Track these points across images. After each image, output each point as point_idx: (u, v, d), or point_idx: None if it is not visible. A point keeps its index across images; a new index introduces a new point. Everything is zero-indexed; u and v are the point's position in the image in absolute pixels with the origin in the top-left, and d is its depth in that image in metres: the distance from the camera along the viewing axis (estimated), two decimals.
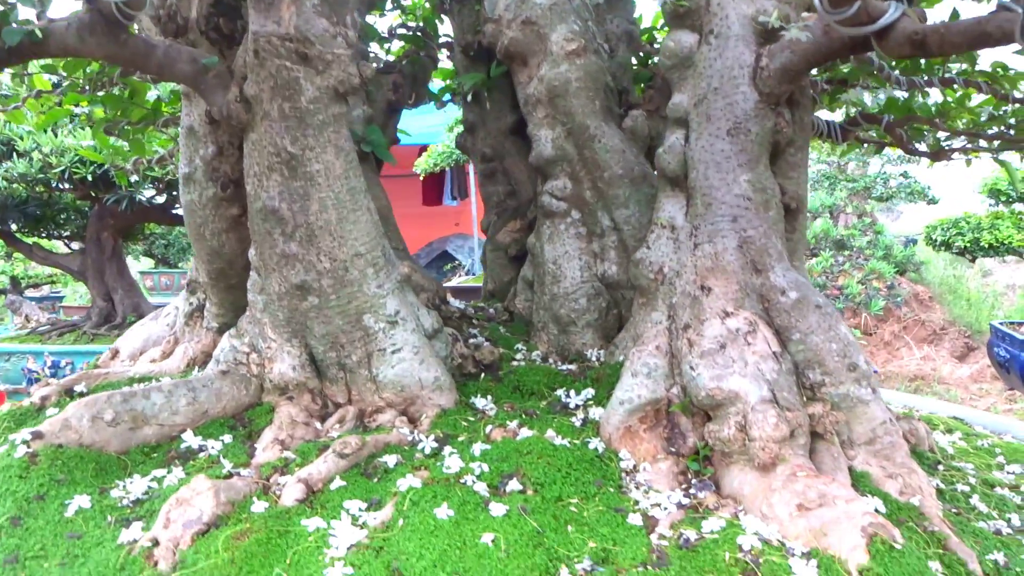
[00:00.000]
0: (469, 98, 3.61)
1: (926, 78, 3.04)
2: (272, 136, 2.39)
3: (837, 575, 1.78)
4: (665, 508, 2.08)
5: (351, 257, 2.49)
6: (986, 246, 9.73)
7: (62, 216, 8.14)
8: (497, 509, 1.97)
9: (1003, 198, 9.75)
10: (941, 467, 2.71)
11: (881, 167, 13.59)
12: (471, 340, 2.92)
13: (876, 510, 2.08)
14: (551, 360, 2.91)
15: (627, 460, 2.31)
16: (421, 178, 11.61)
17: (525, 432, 2.33)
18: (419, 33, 3.69)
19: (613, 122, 2.87)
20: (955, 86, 2.99)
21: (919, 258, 13.90)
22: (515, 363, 2.82)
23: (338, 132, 2.43)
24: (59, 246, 9.07)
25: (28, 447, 2.13)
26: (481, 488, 2.08)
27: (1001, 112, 3.36)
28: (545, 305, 2.97)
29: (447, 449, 2.30)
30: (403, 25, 3.83)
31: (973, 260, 10.55)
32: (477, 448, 2.27)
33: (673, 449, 2.34)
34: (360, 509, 2.05)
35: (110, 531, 1.98)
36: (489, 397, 2.62)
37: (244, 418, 2.55)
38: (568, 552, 1.88)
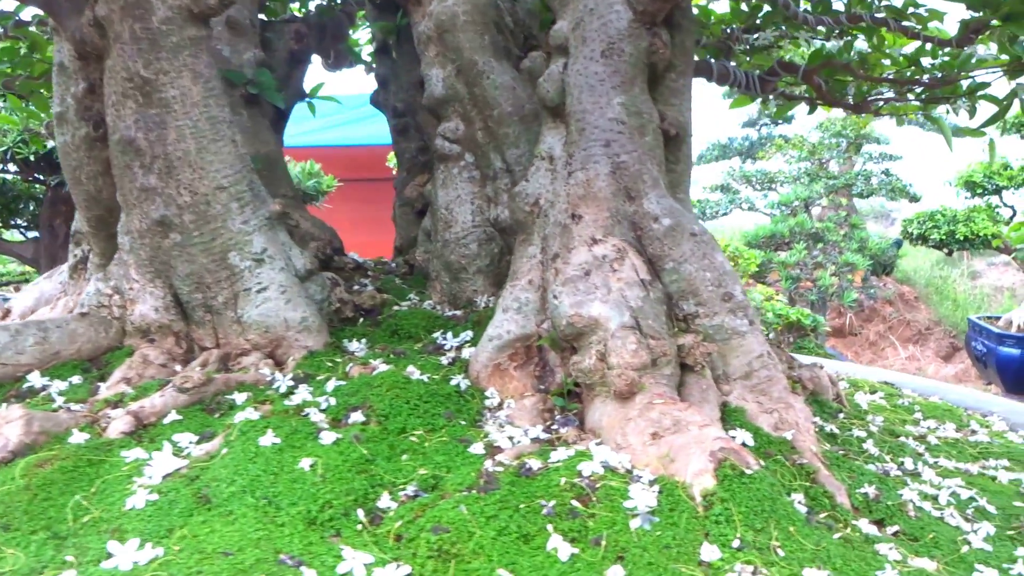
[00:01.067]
0: (380, 52, 3.49)
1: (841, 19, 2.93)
2: (125, 60, 2.27)
3: (679, 500, 1.65)
4: (518, 441, 1.95)
5: (213, 191, 2.37)
6: (961, 239, 9.61)
7: (16, 204, 8.01)
8: (328, 437, 1.85)
9: (978, 191, 9.65)
10: (842, 415, 2.58)
11: (863, 164, 13.52)
12: (356, 288, 2.79)
13: (744, 443, 1.96)
14: (441, 308, 2.78)
15: (493, 398, 2.18)
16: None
17: (383, 368, 2.21)
18: None
19: (506, 60, 2.75)
20: (862, 25, 2.88)
21: (905, 257, 13.81)
22: (397, 308, 2.69)
23: (196, 57, 2.31)
24: (17, 236, 8.94)
25: None
26: (320, 419, 1.96)
27: (932, 64, 3.26)
28: (438, 253, 2.85)
29: (302, 387, 2.18)
30: None
31: (950, 253, 10.43)
32: (331, 384, 2.15)
33: (543, 387, 2.21)
34: (190, 442, 1.93)
35: None
36: (364, 341, 2.49)
37: (101, 361, 2.42)
38: (395, 479, 1.75)
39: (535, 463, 1.80)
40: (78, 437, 1.89)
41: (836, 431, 2.42)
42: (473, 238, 2.76)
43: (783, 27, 3.16)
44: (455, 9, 2.66)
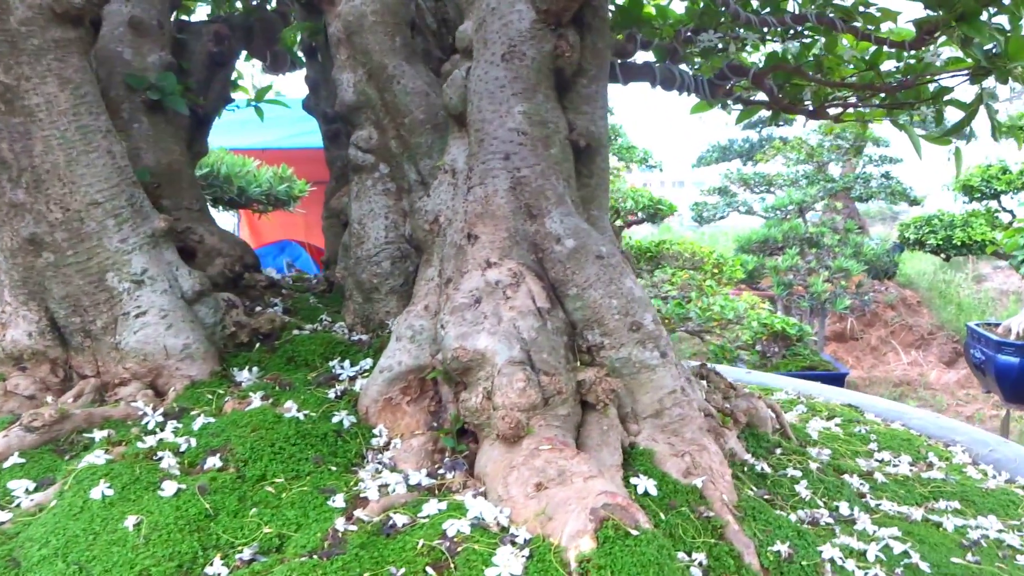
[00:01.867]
0: (308, 54, 3.29)
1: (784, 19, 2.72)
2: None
3: (550, 566, 1.44)
4: (393, 489, 1.75)
5: (86, 206, 2.17)
6: (958, 244, 9.35)
7: None
8: (170, 488, 1.64)
9: (976, 195, 9.41)
10: (779, 450, 2.37)
11: (862, 167, 13.29)
12: (264, 309, 2.59)
13: (646, 491, 1.76)
14: (354, 331, 2.58)
15: (381, 437, 1.98)
16: None
17: (256, 404, 2.00)
18: None
19: (421, 63, 2.55)
20: (808, 25, 2.67)
21: (909, 261, 13.54)
22: (298, 332, 2.48)
23: (62, 61, 2.11)
24: None
25: None
26: (171, 464, 1.75)
27: (896, 67, 3.04)
28: (351, 270, 2.65)
29: (171, 424, 1.98)
30: None
31: (947, 259, 10.17)
32: (199, 422, 1.94)
33: (436, 424, 2.01)
34: (25, 490, 1.73)
35: None
36: (255, 369, 2.29)
37: None
38: (234, 538, 1.55)
39: (401, 518, 1.60)
40: None
41: (768, 470, 2.20)
42: (386, 255, 2.55)
43: (738, 30, 2.95)
44: (363, 9, 2.45)
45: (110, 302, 2.23)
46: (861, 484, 2.35)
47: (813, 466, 2.33)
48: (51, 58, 2.09)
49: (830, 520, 2.00)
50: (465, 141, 2.20)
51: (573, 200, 2.08)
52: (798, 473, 2.23)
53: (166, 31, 2.91)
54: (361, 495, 1.70)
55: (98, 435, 1.93)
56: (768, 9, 2.83)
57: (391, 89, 2.48)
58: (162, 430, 1.94)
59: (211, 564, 1.48)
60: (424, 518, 1.60)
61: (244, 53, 3.56)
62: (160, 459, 1.77)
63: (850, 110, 3.36)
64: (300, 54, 3.68)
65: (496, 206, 2.00)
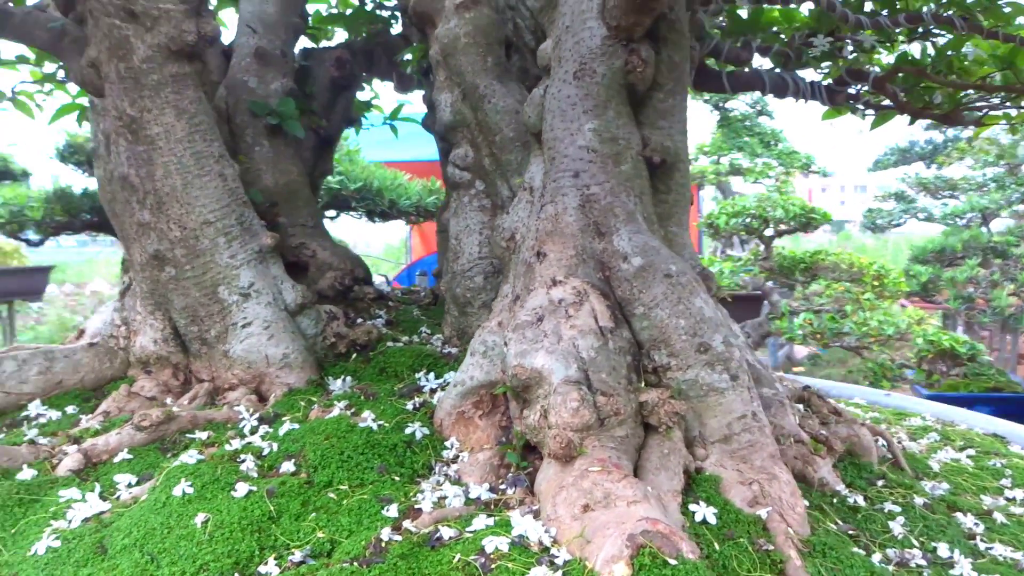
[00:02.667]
0: (425, 75, 3.42)
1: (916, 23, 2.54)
2: (114, 99, 2.32)
3: None
4: (450, 502, 1.79)
5: (200, 225, 2.38)
6: None
7: None
8: (242, 490, 1.77)
9: None
10: (882, 482, 2.21)
11: None
12: (363, 322, 2.72)
13: (704, 520, 1.70)
14: (449, 344, 2.66)
15: (451, 449, 2.04)
16: None
17: (334, 413, 2.11)
18: (377, 7, 3.55)
19: (514, 82, 2.59)
20: (931, 27, 2.48)
21: None
22: (392, 344, 2.58)
23: (179, 93, 2.33)
24: None
25: None
26: (250, 468, 1.88)
27: None
28: (448, 285, 2.73)
29: (262, 428, 2.12)
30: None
31: None
32: (284, 428, 2.08)
33: (504, 439, 2.04)
34: (127, 484, 1.92)
35: None
36: (348, 379, 2.41)
37: (103, 391, 2.49)
38: (290, 540, 1.65)
39: (449, 532, 1.64)
40: (25, 473, 1.93)
41: (863, 503, 2.06)
42: (479, 270, 2.61)
43: (860, 32, 2.79)
44: (456, 31, 2.53)
45: (222, 313, 2.42)
46: (975, 524, 2.15)
47: (919, 501, 2.16)
48: (169, 91, 2.31)
49: (923, 562, 1.85)
50: (542, 158, 2.22)
51: (647, 217, 2.05)
52: (897, 508, 2.07)
53: (289, 59, 3.12)
54: (416, 506, 1.76)
55: (199, 435, 2.11)
56: (886, 11, 2.65)
57: (483, 108, 2.54)
58: (253, 434, 2.09)
59: (265, 563, 1.58)
60: (471, 533, 1.63)
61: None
62: (242, 461, 1.91)
63: (995, 112, 3.08)
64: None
65: (565, 224, 2.00)
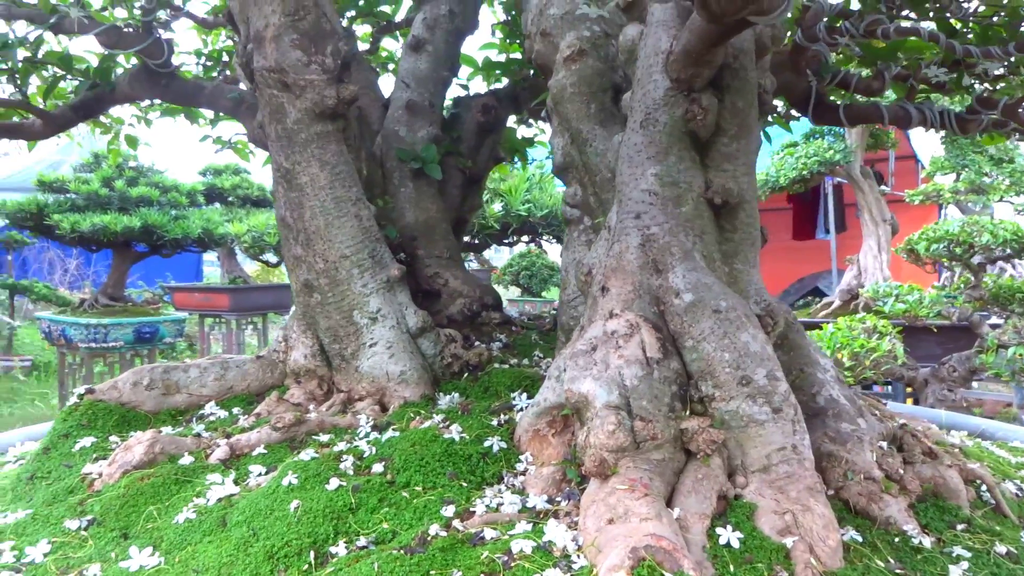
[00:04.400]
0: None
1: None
2: (274, 154, 2.81)
3: None
4: (506, 508, 2.03)
5: (339, 259, 2.80)
6: None
7: None
8: (333, 484, 2.12)
9: None
10: (963, 526, 2.16)
11: None
12: (479, 344, 3.02)
13: (728, 543, 1.82)
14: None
15: (524, 463, 2.27)
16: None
17: (426, 424, 2.41)
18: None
19: (617, 125, 2.79)
20: None
21: None
22: (499, 366, 2.86)
23: (322, 148, 2.76)
24: None
25: (79, 399, 2.79)
26: (347, 466, 2.23)
27: None
28: (559, 312, 2.96)
29: (373, 435, 2.48)
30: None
31: None
32: (387, 435, 2.42)
33: (570, 456, 2.24)
34: (259, 473, 2.34)
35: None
36: (456, 395, 2.72)
37: (263, 396, 2.98)
38: (360, 528, 1.97)
39: (492, 533, 1.88)
40: (186, 460, 2.42)
41: (929, 544, 2.04)
42: (580, 300, 2.82)
43: (981, 63, 2.70)
44: (564, 82, 2.78)
45: (356, 334, 2.82)
46: None
47: (1001, 549, 2.09)
48: (314, 147, 2.75)
49: None
50: None
51: (707, 255, 2.18)
52: (968, 553, 2.03)
53: (436, 109, 3.51)
54: (471, 508, 2.01)
55: (322, 437, 2.50)
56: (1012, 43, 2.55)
57: (586, 151, 2.76)
58: (363, 439, 2.45)
59: (336, 545, 1.90)
60: (508, 536, 1.86)
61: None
62: (344, 461, 2.27)
63: None
64: None
65: (626, 261, 2.18)
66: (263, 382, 3.02)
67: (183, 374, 2.94)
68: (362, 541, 1.91)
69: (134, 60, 3.09)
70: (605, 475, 1.92)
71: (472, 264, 13.14)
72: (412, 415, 2.59)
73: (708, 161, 2.23)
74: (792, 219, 12.30)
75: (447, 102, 3.74)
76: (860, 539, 2.00)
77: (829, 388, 2.41)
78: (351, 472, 2.22)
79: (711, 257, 2.18)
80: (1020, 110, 2.70)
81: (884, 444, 2.31)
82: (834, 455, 2.22)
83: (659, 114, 2.17)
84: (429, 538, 1.86)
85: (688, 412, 2.04)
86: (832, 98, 3.07)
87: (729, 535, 1.82)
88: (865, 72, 3.06)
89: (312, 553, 1.89)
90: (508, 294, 14.84)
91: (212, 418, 2.81)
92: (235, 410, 2.87)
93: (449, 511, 2.00)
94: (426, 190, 3.36)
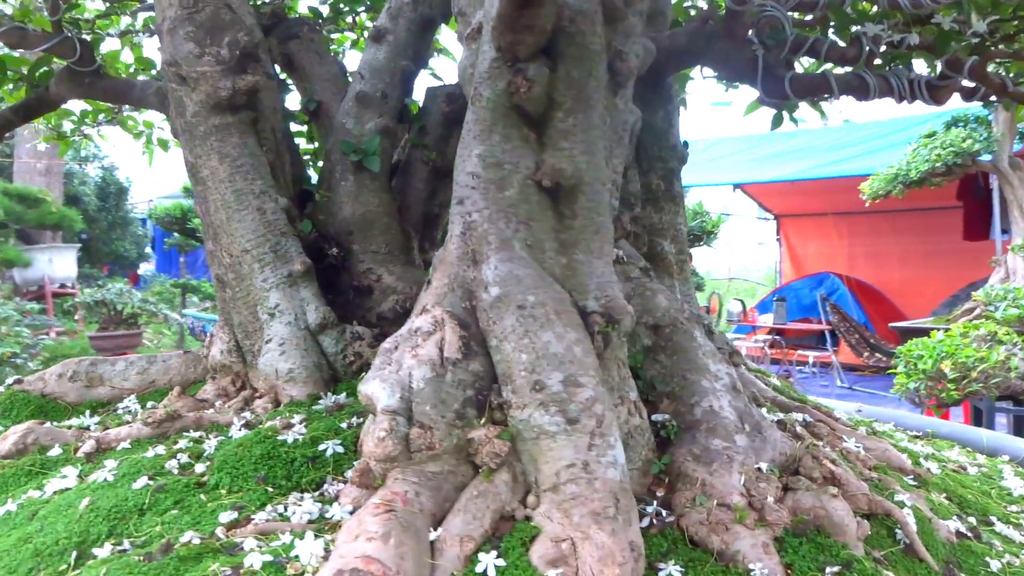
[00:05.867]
0: None
1: None
2: (183, 149, 2.79)
3: None
4: (296, 518, 1.88)
5: (241, 253, 2.74)
6: None
7: None
8: (140, 483, 2.04)
9: None
10: (837, 568, 1.79)
11: None
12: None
13: (484, 572, 1.59)
14: None
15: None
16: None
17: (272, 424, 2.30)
18: None
19: None
20: None
21: None
22: None
23: (222, 140, 2.71)
24: None
25: (5, 388, 2.88)
26: (173, 465, 2.16)
27: None
28: None
29: (242, 432, 2.39)
30: None
31: None
32: (235, 432, 2.33)
33: None
34: (111, 468, 2.31)
35: None
36: (345, 395, 2.58)
37: (185, 391, 2.96)
38: (134, 532, 1.88)
39: (253, 543, 1.74)
40: (55, 451, 2.42)
41: None
42: None
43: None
44: (464, 63, 2.58)
45: (260, 330, 2.75)
46: None
47: None
48: (213, 139, 2.71)
49: None
50: None
51: (533, 244, 1.93)
52: None
53: (390, 100, 3.39)
54: (252, 516, 1.88)
55: (195, 434, 2.44)
56: None
57: None
58: (218, 437, 2.36)
59: (102, 547, 1.82)
60: (259, 548, 1.71)
61: None
62: (179, 458, 2.19)
63: None
64: None
65: (448, 252, 1.98)
66: (186, 377, 3.02)
67: (109, 367, 2.98)
68: (125, 544, 1.82)
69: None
70: (367, 486, 1.73)
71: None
72: (288, 414, 2.48)
73: (545, 139, 1.98)
74: (963, 218, 11.19)
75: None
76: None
77: (713, 398, 2.08)
78: (175, 471, 2.14)
79: (538, 247, 1.93)
80: (991, 70, 2.24)
81: (763, 466, 1.97)
82: (688, 476, 1.91)
83: (483, 88, 1.95)
84: (177, 545, 1.74)
85: (484, 420, 1.81)
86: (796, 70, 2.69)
87: (490, 562, 1.59)
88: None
89: (75, 554, 1.81)
90: None
91: (120, 411, 2.82)
92: (149, 404, 2.87)
93: (226, 518, 1.87)
94: (368, 183, 3.24)
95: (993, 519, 2.30)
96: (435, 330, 1.86)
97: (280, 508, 1.92)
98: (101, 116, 4.05)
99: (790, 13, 2.61)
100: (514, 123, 1.96)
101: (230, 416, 2.55)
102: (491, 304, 1.84)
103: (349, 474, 1.94)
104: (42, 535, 1.87)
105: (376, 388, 1.82)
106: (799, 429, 2.30)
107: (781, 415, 2.45)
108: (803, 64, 3.03)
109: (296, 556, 1.64)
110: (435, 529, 1.65)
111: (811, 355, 11.43)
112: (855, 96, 2.51)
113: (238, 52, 2.70)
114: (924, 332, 5.57)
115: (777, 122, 3.21)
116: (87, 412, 2.85)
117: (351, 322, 2.92)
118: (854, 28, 2.56)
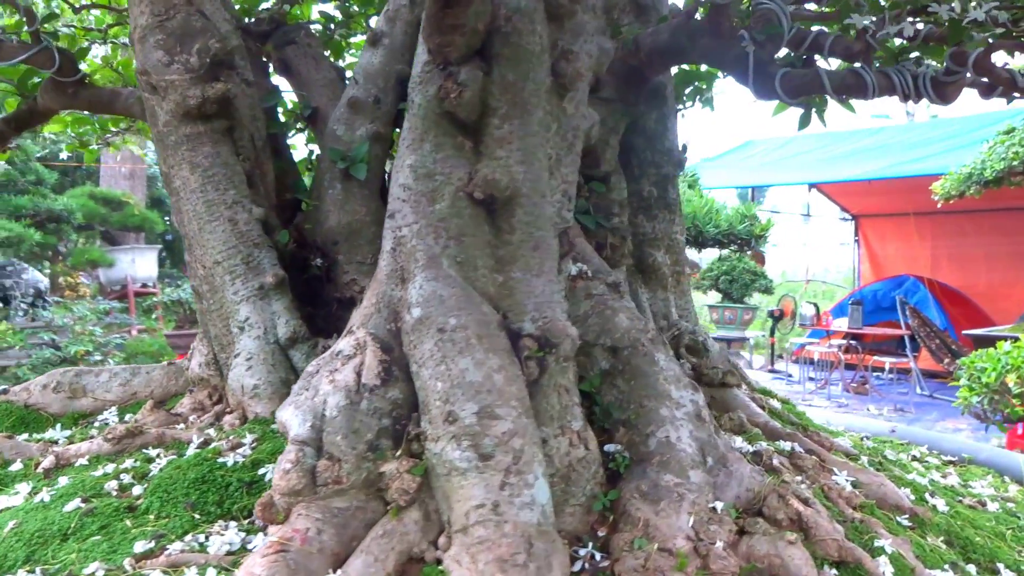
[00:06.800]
0: None
1: None
2: (158, 158, 2.75)
3: None
4: (214, 549, 1.79)
5: (213, 264, 2.68)
6: None
7: None
8: (71, 505, 1.99)
9: None
10: None
11: None
12: None
13: None
14: None
15: None
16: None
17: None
18: None
19: None
20: None
21: None
22: None
23: (193, 150, 2.65)
24: None
25: None
26: (112, 486, 2.10)
27: None
28: None
29: (193, 450, 2.33)
30: None
31: None
32: (191, 451, 2.26)
33: None
34: (62, 485, 2.27)
35: None
36: None
37: (164, 403, 2.93)
38: (52, 558, 1.82)
39: None
40: (16, 466, 2.40)
41: None
42: None
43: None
44: None
45: (232, 344, 2.69)
46: None
47: None
48: (184, 149, 2.65)
49: None
50: None
51: (464, 261, 1.80)
52: None
53: (384, 105, 3.29)
54: (168, 547, 1.79)
55: (153, 452, 2.39)
56: None
57: None
58: (182, 453, 2.30)
59: (14, 574, 1.77)
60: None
61: None
62: (121, 479, 2.13)
63: None
64: None
65: (379, 269, 1.86)
66: (167, 389, 2.98)
67: (93, 379, 2.97)
68: (38, 573, 1.76)
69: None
70: (271, 520, 1.62)
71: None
72: (244, 433, 2.40)
73: (482, 148, 1.85)
74: None
75: None
76: None
77: (671, 428, 1.91)
78: (114, 493, 2.08)
79: (470, 264, 1.79)
80: (992, 64, 2.00)
81: (718, 505, 1.79)
82: (630, 516, 1.75)
83: (415, 94, 1.83)
84: None
85: (400, 452, 1.68)
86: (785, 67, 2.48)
87: None
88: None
89: None
90: (706, 299, 13.99)
91: (97, 424, 2.80)
92: (127, 416, 2.85)
93: (141, 547, 1.79)
94: (356, 191, 3.14)
95: (1000, 566, 2.05)
96: (355, 354, 1.75)
97: (201, 537, 1.83)
98: (122, 124, 4.09)
99: (791, 7, 2.41)
100: (447, 131, 1.83)
101: (190, 434, 2.49)
102: (412, 326, 1.71)
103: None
104: None
105: (289, 415, 1.72)
106: (776, 462, 2.10)
107: (765, 444, 2.25)
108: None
109: None
110: (334, 572, 1.53)
111: (888, 361, 10.91)
112: (852, 95, 2.29)
113: (208, 60, 2.63)
114: (989, 342, 5.19)
115: (804, 122, 3.00)
116: (66, 424, 2.84)
117: (332, 335, 2.83)
118: (856, 19, 2.34)
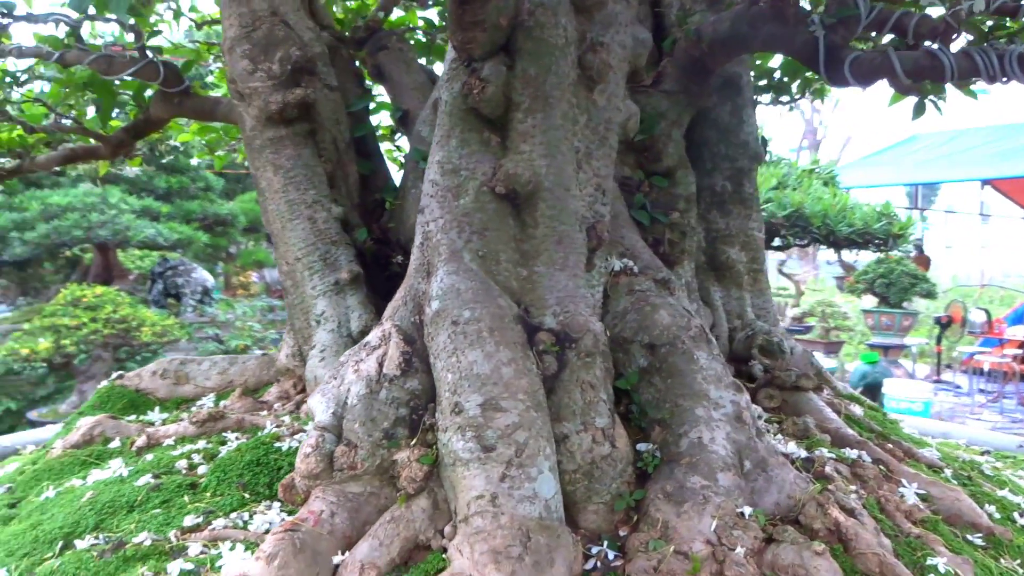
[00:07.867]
0: None
1: None
2: (248, 161, 2.94)
3: None
4: (255, 527, 1.90)
5: (294, 261, 2.83)
6: None
7: None
8: (141, 481, 2.16)
9: None
10: None
11: None
12: None
13: None
14: None
15: None
16: None
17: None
18: None
19: None
20: None
21: None
22: None
23: (276, 152, 2.81)
24: None
25: (109, 383, 3.18)
26: (183, 465, 2.26)
27: None
28: None
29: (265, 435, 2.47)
30: None
31: None
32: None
33: None
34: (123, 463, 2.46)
35: None
36: None
37: (255, 391, 3.11)
38: (116, 526, 1.99)
39: (197, 549, 1.79)
40: (115, 443, 2.63)
41: None
42: None
43: None
44: None
45: (312, 336, 2.83)
46: None
47: None
48: (268, 152, 2.81)
49: None
50: None
51: (486, 255, 1.81)
52: None
53: None
54: (212, 522, 1.91)
55: (230, 436, 2.55)
56: None
57: None
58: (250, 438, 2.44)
59: (83, 539, 1.94)
60: (210, 553, 1.75)
61: None
62: (193, 458, 2.30)
63: None
64: None
65: (410, 263, 1.91)
66: (259, 378, 3.16)
67: (196, 367, 3.20)
68: (100, 539, 1.92)
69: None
70: (292, 501, 1.70)
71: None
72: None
73: (508, 143, 1.85)
74: None
75: None
76: None
77: (705, 429, 1.85)
78: (183, 471, 2.24)
79: (493, 258, 1.80)
80: None
81: (747, 511, 1.71)
82: (651, 517, 1.71)
83: (441, 91, 1.86)
84: (125, 546, 1.81)
85: (415, 441, 1.72)
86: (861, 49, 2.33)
87: None
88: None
89: (61, 544, 1.95)
90: (861, 303, 13.22)
91: (194, 409, 3.01)
92: (222, 403, 3.05)
93: (190, 521, 1.92)
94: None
95: None
96: (380, 344, 1.80)
97: (246, 516, 1.94)
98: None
99: None
100: (473, 126, 1.85)
101: (268, 420, 2.63)
102: (431, 319, 1.75)
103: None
104: (44, 525, 2.02)
105: (316, 402, 1.79)
106: (829, 469, 1.97)
107: (825, 451, 2.12)
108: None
109: (219, 567, 1.65)
110: (343, 554, 1.59)
111: None
112: (928, 79, 2.13)
113: (289, 67, 2.78)
114: None
115: (919, 111, 2.84)
116: (169, 408, 3.07)
117: None
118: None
